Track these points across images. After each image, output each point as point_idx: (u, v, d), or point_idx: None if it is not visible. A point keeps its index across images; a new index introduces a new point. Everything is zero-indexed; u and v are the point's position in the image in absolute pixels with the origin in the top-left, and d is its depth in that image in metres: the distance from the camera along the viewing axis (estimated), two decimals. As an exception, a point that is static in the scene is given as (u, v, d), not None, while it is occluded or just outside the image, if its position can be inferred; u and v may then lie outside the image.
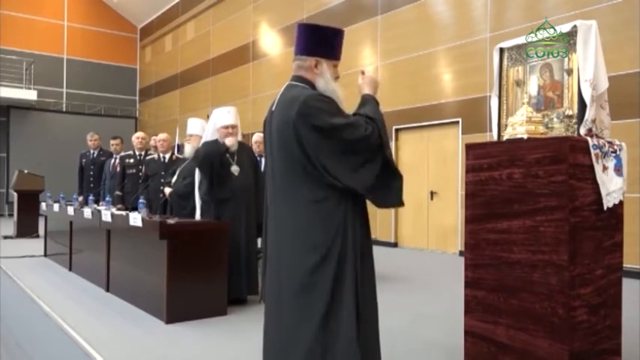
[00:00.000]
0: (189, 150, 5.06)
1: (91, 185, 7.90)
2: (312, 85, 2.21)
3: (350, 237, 2.10)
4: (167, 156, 6.08)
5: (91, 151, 8.09)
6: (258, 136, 5.92)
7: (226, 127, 4.49)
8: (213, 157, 4.37)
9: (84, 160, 8.09)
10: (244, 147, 4.75)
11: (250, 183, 4.59)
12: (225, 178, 4.45)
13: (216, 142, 4.50)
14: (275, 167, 2.21)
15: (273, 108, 2.24)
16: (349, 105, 2.25)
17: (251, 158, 4.75)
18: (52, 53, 16.52)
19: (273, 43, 12.04)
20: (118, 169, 6.86)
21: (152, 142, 6.96)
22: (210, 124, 4.66)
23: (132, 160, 6.70)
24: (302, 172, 2.10)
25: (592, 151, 2.48)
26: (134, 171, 6.57)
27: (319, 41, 2.22)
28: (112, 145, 7.54)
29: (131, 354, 3.25)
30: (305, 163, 2.08)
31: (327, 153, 2.06)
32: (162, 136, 6.16)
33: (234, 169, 4.51)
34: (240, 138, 4.68)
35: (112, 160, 7.24)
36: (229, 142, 4.43)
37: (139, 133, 7.04)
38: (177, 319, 3.88)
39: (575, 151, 2.40)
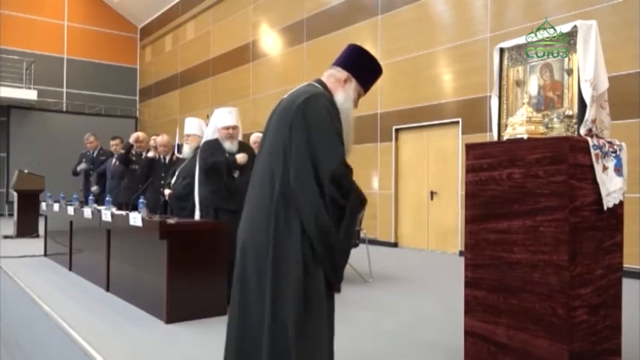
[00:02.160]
0: (187, 150, 5.06)
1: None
2: (331, 95, 2.19)
3: (295, 238, 2.01)
4: (167, 157, 6.07)
5: (91, 151, 8.12)
6: (256, 137, 5.89)
7: (227, 128, 4.50)
8: (219, 167, 4.40)
9: (84, 160, 8.11)
10: (245, 147, 4.74)
11: (250, 183, 4.59)
12: (232, 189, 4.42)
13: (216, 141, 4.51)
14: (263, 152, 2.16)
15: (284, 96, 2.24)
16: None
17: (252, 159, 4.75)
18: (53, 53, 16.52)
19: (273, 43, 12.04)
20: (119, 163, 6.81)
21: (152, 142, 6.95)
22: (210, 124, 4.67)
23: (134, 159, 6.68)
24: (282, 160, 2.03)
25: (592, 151, 2.48)
26: (136, 167, 6.56)
27: (361, 63, 2.29)
28: (112, 145, 7.55)
29: (131, 354, 3.25)
30: (287, 150, 2.02)
31: (297, 149, 1.99)
32: (162, 140, 6.10)
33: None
34: (240, 138, 4.68)
35: (113, 160, 7.24)
36: (241, 158, 4.46)
37: (139, 135, 6.99)
38: (177, 319, 3.88)
39: (575, 151, 2.40)
